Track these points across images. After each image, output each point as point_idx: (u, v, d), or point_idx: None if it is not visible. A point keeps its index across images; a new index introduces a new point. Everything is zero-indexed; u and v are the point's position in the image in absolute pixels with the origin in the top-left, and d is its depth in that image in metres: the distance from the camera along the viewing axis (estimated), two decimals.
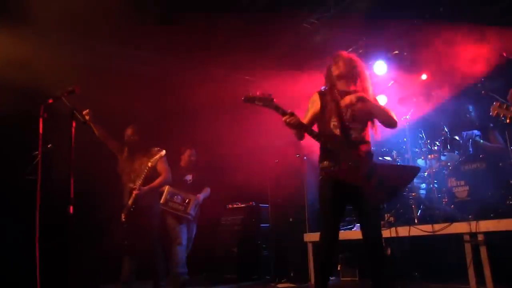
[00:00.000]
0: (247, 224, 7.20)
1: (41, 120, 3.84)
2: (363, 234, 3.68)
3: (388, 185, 3.49)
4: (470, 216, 4.87)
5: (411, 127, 5.99)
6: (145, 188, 5.15)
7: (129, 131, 5.52)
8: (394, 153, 6.27)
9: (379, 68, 7.56)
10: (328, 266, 3.75)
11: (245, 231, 7.15)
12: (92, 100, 5.75)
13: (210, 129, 7.80)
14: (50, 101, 3.91)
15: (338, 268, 6.53)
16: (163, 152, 5.36)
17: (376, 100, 3.89)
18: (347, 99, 3.61)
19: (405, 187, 3.74)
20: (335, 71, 3.81)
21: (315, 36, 8.21)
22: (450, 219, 5.05)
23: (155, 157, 5.18)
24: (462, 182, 5.21)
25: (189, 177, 6.54)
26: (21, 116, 5.67)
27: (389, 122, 3.75)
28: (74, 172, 3.60)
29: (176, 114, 7.98)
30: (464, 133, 6.02)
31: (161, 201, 6.01)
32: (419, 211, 5.57)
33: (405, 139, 5.87)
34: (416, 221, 5.45)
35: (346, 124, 3.65)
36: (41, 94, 4.15)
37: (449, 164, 5.62)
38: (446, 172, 5.56)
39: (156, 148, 5.41)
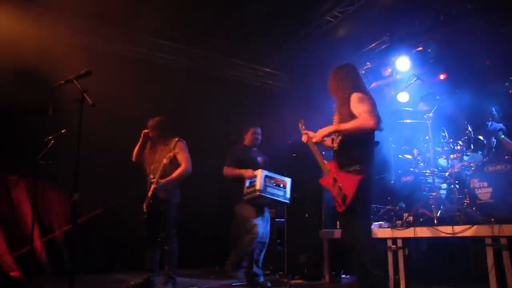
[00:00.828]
0: None
1: (50, 104, 3.77)
2: None
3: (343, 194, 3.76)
4: (492, 219, 4.72)
5: (433, 125, 5.82)
6: (163, 181, 5.11)
7: (150, 123, 5.49)
8: (415, 151, 6.13)
9: (402, 64, 7.43)
10: None
11: None
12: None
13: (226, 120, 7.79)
14: (62, 82, 3.86)
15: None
16: (180, 144, 5.33)
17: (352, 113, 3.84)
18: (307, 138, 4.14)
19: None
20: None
21: (338, 30, 8.09)
22: (472, 221, 4.92)
23: (170, 154, 5.14)
24: (485, 184, 5.05)
25: (260, 159, 6.11)
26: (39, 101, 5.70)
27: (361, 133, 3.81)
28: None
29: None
30: (490, 123, 5.85)
31: (257, 187, 5.50)
32: (439, 211, 5.44)
33: (427, 137, 5.70)
34: (435, 222, 5.33)
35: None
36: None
37: (472, 164, 5.47)
38: (468, 173, 5.40)
39: (175, 139, 5.37)
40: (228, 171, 5.87)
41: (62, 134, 5.64)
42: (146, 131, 5.41)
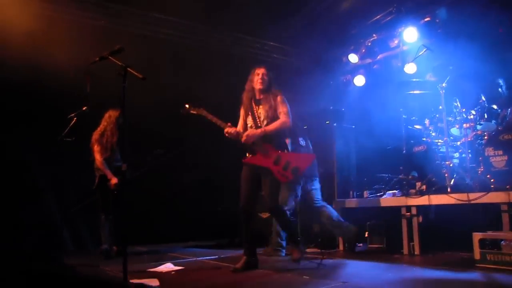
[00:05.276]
0: None
1: (88, 78, 3.79)
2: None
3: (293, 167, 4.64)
4: (508, 186, 4.85)
5: (446, 96, 5.88)
6: None
7: None
8: (427, 121, 6.22)
9: (410, 35, 7.37)
10: None
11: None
12: None
13: None
14: (96, 59, 3.85)
15: (366, 235, 6.56)
16: None
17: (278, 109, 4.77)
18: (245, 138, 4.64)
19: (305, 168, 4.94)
20: (258, 85, 4.79)
21: (342, 2, 8.05)
22: (487, 188, 5.04)
23: None
24: (500, 152, 5.13)
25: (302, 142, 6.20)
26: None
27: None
28: None
29: None
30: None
31: None
32: (452, 180, 5.56)
33: (440, 107, 5.78)
34: (448, 190, 5.46)
35: (258, 125, 4.74)
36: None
37: (485, 133, 5.56)
38: (481, 142, 5.49)
39: None
40: None
41: (83, 111, 5.70)
42: None
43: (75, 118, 5.86)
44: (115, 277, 3.62)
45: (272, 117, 4.71)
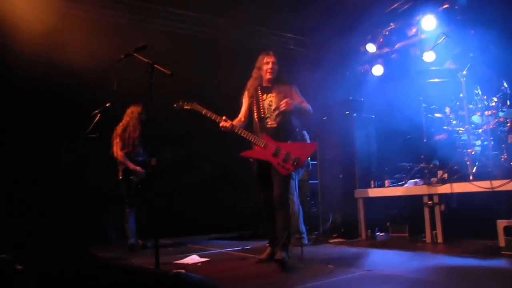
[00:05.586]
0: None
1: (114, 78, 3.85)
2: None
3: (293, 158, 4.46)
4: None
5: (467, 83, 5.84)
6: None
7: None
8: (447, 109, 6.19)
9: (428, 23, 7.31)
10: None
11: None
12: None
13: None
14: (122, 56, 3.91)
15: (388, 224, 6.59)
16: None
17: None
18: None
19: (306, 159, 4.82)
20: (267, 75, 4.67)
21: None
22: (509, 176, 5.01)
23: None
24: None
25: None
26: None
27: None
28: None
29: None
30: None
31: None
32: (475, 167, 5.54)
33: (461, 95, 5.75)
34: (471, 178, 5.44)
35: (262, 115, 4.62)
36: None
37: (507, 120, 5.51)
38: (504, 129, 5.46)
39: None
40: None
41: (107, 108, 5.80)
42: None
43: (99, 115, 5.98)
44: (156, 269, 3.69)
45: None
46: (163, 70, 3.72)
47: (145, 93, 3.83)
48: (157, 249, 3.48)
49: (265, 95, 4.65)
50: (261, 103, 4.63)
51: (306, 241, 5.88)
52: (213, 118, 4.46)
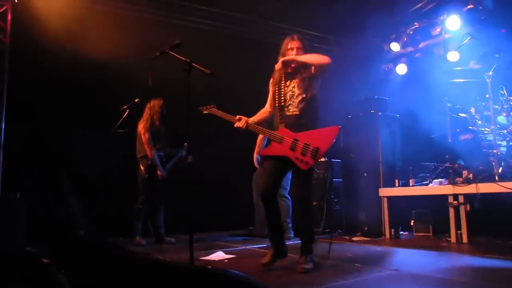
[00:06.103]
0: (319, 179, 7.07)
1: (150, 75, 3.93)
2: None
3: (312, 149, 4.02)
4: None
5: (493, 84, 5.85)
6: None
7: None
8: (472, 110, 6.20)
9: (452, 23, 7.32)
10: None
11: (317, 186, 7.13)
12: None
13: None
14: (157, 53, 3.99)
15: (412, 224, 6.63)
16: None
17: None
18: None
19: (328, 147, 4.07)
20: (290, 65, 4.27)
21: None
22: None
23: None
24: None
25: None
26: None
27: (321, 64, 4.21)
28: None
29: None
30: None
31: None
32: (500, 168, 5.56)
33: (487, 96, 5.77)
34: (496, 178, 5.46)
35: (282, 103, 4.28)
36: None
37: None
38: None
39: None
40: None
41: (136, 104, 5.92)
42: None
43: (127, 110, 6.09)
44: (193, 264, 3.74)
45: (309, 85, 4.23)
46: (202, 69, 3.78)
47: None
48: (191, 244, 3.56)
49: (288, 81, 4.33)
50: (283, 89, 4.31)
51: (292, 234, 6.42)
52: (228, 119, 4.33)
